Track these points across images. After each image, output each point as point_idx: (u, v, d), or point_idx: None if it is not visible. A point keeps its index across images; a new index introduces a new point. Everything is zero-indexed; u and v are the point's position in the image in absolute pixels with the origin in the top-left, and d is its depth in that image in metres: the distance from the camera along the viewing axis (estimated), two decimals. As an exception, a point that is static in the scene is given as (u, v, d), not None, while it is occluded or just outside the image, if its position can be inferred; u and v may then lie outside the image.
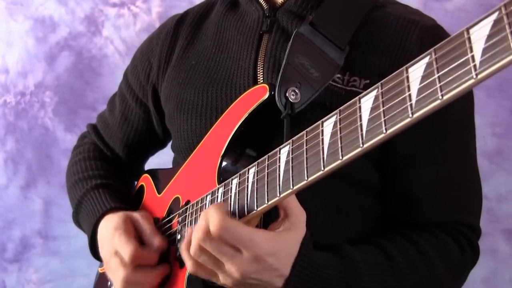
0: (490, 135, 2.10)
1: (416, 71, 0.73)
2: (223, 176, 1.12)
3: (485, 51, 0.62)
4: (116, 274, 1.23)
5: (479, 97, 1.98)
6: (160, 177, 1.41)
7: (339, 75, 1.16)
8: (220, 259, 0.99)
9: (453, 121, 1.18)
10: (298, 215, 1.01)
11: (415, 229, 1.18)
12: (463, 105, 1.20)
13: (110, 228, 1.28)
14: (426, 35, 1.16)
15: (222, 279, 1.01)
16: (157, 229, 1.26)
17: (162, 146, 1.58)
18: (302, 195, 0.96)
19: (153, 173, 1.46)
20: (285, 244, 0.99)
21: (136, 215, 1.29)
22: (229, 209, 1.04)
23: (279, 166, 0.95)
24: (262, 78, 1.22)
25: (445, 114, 1.14)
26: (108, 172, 1.51)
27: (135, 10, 2.64)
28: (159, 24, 2.50)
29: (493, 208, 2.07)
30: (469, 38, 0.65)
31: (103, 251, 1.31)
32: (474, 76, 0.64)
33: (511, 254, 2.10)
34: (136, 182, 1.52)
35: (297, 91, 1.10)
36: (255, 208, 0.98)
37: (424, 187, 1.19)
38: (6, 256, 2.80)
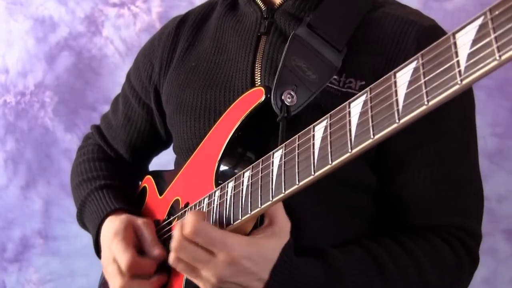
0: (490, 135, 2.09)
1: (403, 76, 0.72)
2: (221, 179, 1.12)
3: (470, 56, 0.62)
4: (113, 281, 1.23)
5: (479, 97, 1.97)
6: (162, 179, 1.41)
7: (335, 77, 1.15)
8: (196, 266, 1.00)
9: (451, 121, 1.17)
10: (282, 225, 1.02)
11: (408, 233, 1.16)
12: (461, 105, 1.18)
13: (110, 232, 1.27)
14: (423, 35, 1.14)
15: (202, 285, 1.02)
16: (158, 238, 1.25)
17: (165, 146, 1.58)
18: (299, 197, 0.95)
19: (155, 174, 1.46)
20: (262, 249, 1.00)
21: (139, 221, 1.27)
22: (206, 218, 1.06)
23: (272, 170, 0.95)
24: (259, 80, 1.21)
25: (443, 114, 1.12)
26: (112, 173, 1.51)
27: (135, 10, 2.63)
28: (159, 24, 2.50)
29: (493, 208, 2.06)
30: (455, 43, 0.64)
31: (103, 254, 1.30)
32: (459, 82, 0.63)
33: (511, 254, 2.09)
34: (140, 183, 1.52)
35: (293, 93, 1.10)
36: (249, 212, 0.98)
37: (418, 189, 1.17)
38: (6, 256, 2.80)
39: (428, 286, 1.13)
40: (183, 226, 1.00)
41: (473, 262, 1.19)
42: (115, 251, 1.23)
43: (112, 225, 1.29)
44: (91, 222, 1.39)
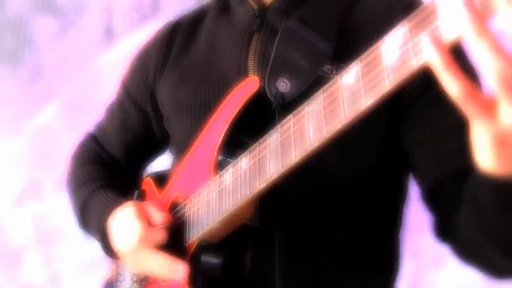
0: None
1: (391, 42, 0.77)
2: (219, 169, 1.13)
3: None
4: (132, 231, 1.20)
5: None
6: (160, 179, 1.41)
7: (329, 66, 1.16)
8: None
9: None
10: None
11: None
12: None
13: (121, 215, 1.26)
14: (410, 11, 1.16)
15: None
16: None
17: (162, 151, 1.56)
18: (297, 196, 0.96)
19: (154, 175, 1.46)
20: None
21: (142, 203, 1.28)
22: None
23: (269, 151, 0.96)
24: (252, 75, 1.22)
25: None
26: (110, 174, 1.49)
27: (137, 13, 2.65)
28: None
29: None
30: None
31: (117, 232, 1.27)
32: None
33: (509, 253, 2.08)
34: (138, 191, 1.49)
35: (286, 81, 1.11)
36: (248, 193, 1.00)
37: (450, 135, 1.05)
38: (5, 255, 2.81)
39: None
40: None
41: None
42: (128, 221, 1.22)
43: (120, 212, 1.28)
44: (94, 218, 1.36)
